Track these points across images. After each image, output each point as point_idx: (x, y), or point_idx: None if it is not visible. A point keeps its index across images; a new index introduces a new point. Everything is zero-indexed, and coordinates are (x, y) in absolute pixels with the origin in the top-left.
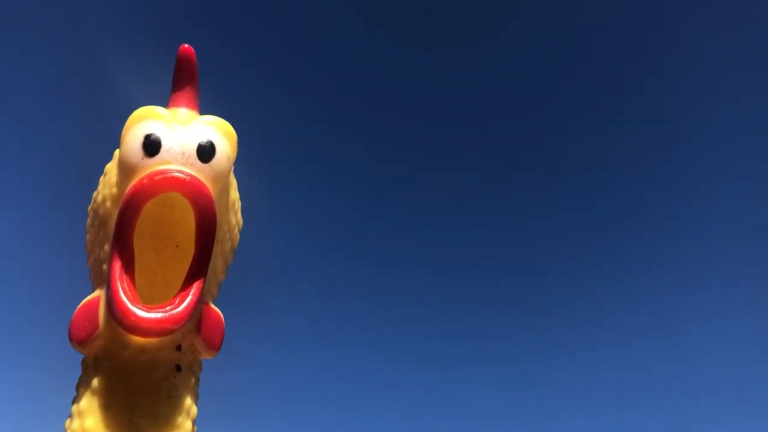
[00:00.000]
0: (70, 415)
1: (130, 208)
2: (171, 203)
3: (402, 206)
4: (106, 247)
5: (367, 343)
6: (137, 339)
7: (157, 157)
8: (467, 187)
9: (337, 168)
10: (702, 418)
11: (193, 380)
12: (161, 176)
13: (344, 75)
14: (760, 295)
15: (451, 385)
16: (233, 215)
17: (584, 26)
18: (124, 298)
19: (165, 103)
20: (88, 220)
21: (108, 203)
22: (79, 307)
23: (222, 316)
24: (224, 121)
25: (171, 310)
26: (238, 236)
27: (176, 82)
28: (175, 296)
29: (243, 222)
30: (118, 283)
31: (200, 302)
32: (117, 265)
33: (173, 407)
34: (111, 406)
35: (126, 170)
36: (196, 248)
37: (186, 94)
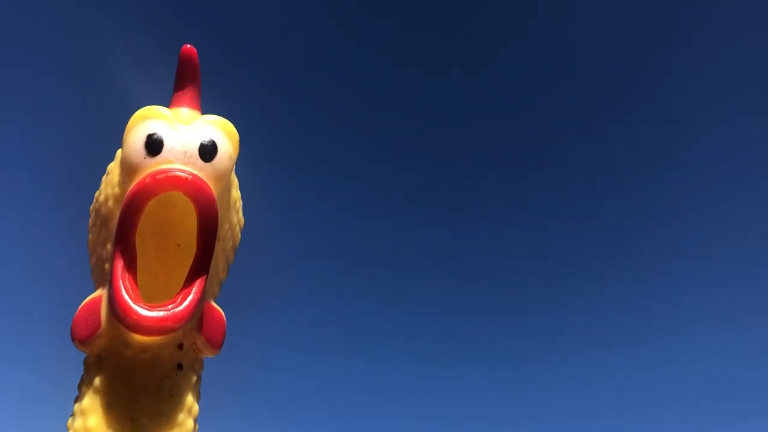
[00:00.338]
0: (73, 414)
1: (132, 207)
2: (172, 202)
3: (405, 205)
4: (108, 246)
5: (369, 342)
6: (139, 338)
7: (159, 156)
8: (471, 188)
9: (340, 167)
10: (706, 420)
11: (194, 379)
12: (163, 175)
13: (347, 74)
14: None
15: (452, 386)
16: (234, 214)
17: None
18: (126, 296)
19: (167, 103)
20: (90, 220)
21: (110, 202)
22: (81, 306)
23: (223, 314)
24: (226, 120)
25: (173, 308)
26: (240, 235)
27: (178, 82)
28: (177, 295)
29: (244, 221)
30: (120, 282)
31: (202, 301)
32: (119, 264)
33: (175, 405)
34: (113, 405)
35: (128, 169)
36: (198, 247)
37: (188, 93)
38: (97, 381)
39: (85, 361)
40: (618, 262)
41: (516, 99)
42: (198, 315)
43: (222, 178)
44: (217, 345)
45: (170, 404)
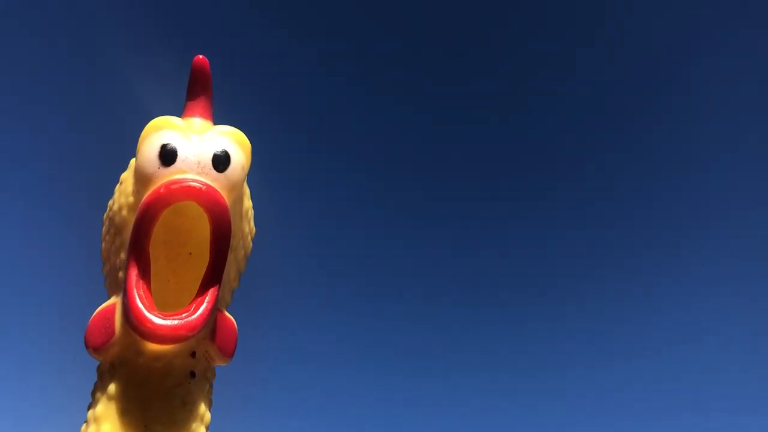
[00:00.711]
0: (86, 421)
1: (147, 217)
2: (184, 211)
3: (413, 213)
4: (122, 255)
5: (376, 347)
6: (152, 346)
7: (173, 166)
8: (472, 188)
9: (351, 176)
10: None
11: (207, 387)
12: (177, 185)
13: (358, 83)
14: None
15: (454, 387)
16: (246, 223)
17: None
18: (140, 305)
19: (179, 113)
20: (104, 229)
21: (124, 212)
22: (95, 314)
23: (235, 323)
24: (238, 130)
25: (186, 317)
26: (251, 244)
27: (191, 92)
28: (191, 303)
29: (256, 230)
30: (135, 291)
31: (215, 310)
32: (133, 273)
33: (188, 413)
34: (126, 412)
35: (142, 179)
36: (210, 256)
37: (200, 104)
38: (110, 388)
39: (99, 369)
40: (618, 263)
41: (516, 99)
42: (211, 324)
43: (235, 188)
44: (229, 354)
45: (183, 412)
